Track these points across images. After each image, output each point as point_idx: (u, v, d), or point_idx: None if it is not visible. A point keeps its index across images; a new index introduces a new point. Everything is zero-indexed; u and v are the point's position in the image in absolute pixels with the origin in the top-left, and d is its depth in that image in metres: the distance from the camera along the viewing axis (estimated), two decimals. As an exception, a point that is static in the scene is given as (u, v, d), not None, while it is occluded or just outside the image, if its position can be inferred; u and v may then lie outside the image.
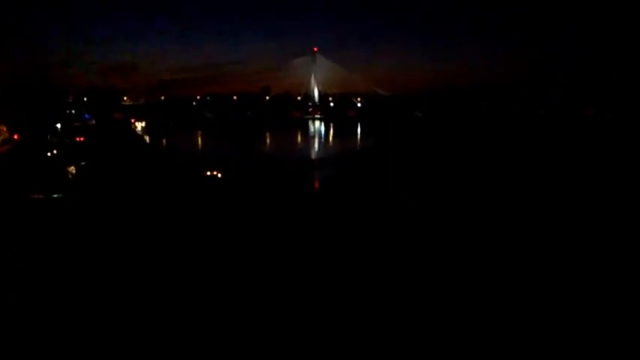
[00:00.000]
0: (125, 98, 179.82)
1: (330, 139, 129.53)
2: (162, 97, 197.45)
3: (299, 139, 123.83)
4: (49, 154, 65.20)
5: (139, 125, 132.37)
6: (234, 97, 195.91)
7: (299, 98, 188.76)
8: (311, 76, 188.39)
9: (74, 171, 57.24)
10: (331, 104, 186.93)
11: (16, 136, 77.41)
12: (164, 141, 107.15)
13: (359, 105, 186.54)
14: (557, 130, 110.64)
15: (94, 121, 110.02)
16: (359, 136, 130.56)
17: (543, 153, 74.59)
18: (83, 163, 59.97)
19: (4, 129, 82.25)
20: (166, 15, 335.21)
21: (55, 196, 42.38)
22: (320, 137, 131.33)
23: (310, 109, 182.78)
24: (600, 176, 53.04)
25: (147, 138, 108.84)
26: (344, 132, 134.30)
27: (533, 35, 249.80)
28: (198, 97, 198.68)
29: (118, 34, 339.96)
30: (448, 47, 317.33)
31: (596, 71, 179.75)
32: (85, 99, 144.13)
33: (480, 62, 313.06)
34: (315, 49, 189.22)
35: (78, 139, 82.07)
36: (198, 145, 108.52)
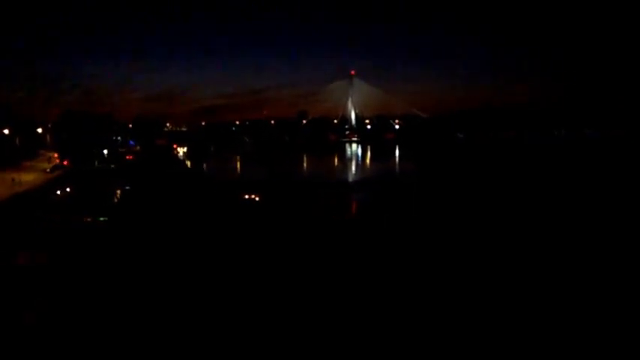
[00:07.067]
0: (168, 124, 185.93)
1: (367, 162, 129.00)
2: (203, 123, 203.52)
3: (336, 162, 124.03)
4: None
5: (181, 150, 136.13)
6: (272, 122, 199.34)
7: (336, 121, 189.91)
8: (348, 99, 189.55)
9: (119, 195, 59.39)
10: (368, 127, 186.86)
11: (65, 162, 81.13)
12: (205, 165, 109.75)
13: (397, 127, 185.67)
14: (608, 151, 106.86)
15: (138, 147, 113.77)
16: (397, 159, 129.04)
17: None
18: (127, 188, 62.10)
19: (55, 156, 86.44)
20: (205, 43, 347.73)
21: (102, 219, 43.97)
22: (357, 160, 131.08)
23: (347, 132, 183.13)
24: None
25: (188, 163, 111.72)
26: (381, 155, 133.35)
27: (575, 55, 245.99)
28: (237, 122, 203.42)
29: (160, 64, 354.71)
30: (489, 66, 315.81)
31: None
32: (130, 126, 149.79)
33: (520, 82, 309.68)
34: (353, 72, 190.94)
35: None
36: (237, 169, 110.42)
